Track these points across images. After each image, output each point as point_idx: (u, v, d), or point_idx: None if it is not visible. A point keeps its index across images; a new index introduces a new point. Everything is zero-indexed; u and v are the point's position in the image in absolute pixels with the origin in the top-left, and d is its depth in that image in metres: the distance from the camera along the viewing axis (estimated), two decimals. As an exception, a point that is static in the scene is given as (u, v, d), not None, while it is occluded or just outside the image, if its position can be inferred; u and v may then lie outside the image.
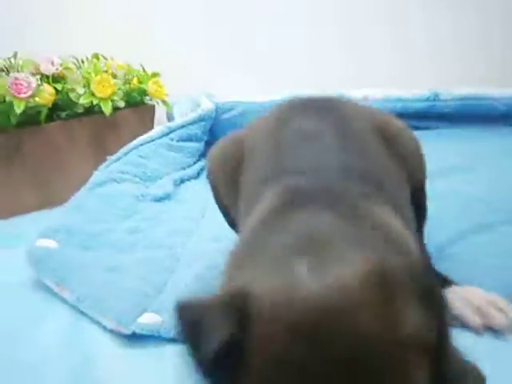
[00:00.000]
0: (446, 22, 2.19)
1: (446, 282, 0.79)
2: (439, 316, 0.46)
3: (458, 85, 1.74)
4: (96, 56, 1.82)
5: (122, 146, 1.63)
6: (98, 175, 1.35)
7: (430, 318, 0.45)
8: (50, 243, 1.09)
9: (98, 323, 0.88)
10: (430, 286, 0.47)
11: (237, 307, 0.46)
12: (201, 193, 1.41)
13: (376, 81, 1.84)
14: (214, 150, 0.92)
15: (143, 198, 1.31)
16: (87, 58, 1.82)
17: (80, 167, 1.62)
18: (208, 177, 0.95)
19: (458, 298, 0.74)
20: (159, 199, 1.34)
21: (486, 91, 1.71)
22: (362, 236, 0.56)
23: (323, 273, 0.47)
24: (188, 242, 1.12)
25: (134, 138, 1.68)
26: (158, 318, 0.84)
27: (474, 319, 0.72)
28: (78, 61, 1.79)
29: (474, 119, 1.72)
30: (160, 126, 1.61)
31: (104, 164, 1.40)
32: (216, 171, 0.91)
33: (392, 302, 0.45)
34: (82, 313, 0.91)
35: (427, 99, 1.71)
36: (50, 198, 1.58)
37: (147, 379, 0.67)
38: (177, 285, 0.94)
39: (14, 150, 1.52)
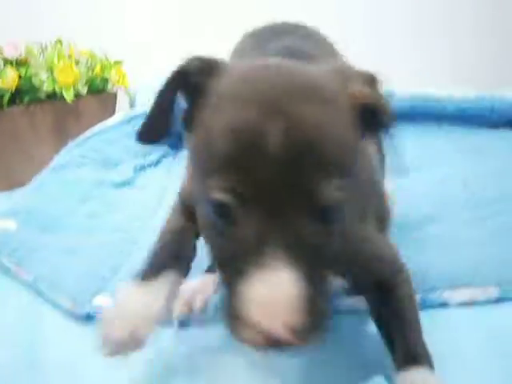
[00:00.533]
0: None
1: None
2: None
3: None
4: (59, 41, 1.84)
5: (83, 132, 1.66)
6: (58, 159, 1.38)
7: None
8: (10, 224, 1.12)
9: (54, 303, 0.92)
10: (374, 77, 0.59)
11: (210, 62, 0.58)
12: (160, 180, 1.45)
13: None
14: None
15: (102, 183, 1.34)
16: (51, 44, 1.83)
17: (41, 152, 1.65)
18: None
19: None
20: (118, 185, 1.38)
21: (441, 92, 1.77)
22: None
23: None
24: (145, 227, 1.15)
25: (96, 124, 1.71)
26: (109, 300, 0.87)
27: None
28: (41, 46, 1.80)
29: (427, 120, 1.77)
30: (121, 113, 1.64)
31: (65, 148, 1.43)
32: None
33: (346, 81, 0.56)
34: (40, 293, 0.95)
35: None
36: (11, 181, 1.60)
37: (98, 359, 0.70)
38: (132, 267, 0.97)
39: (-25, 133, 1.54)
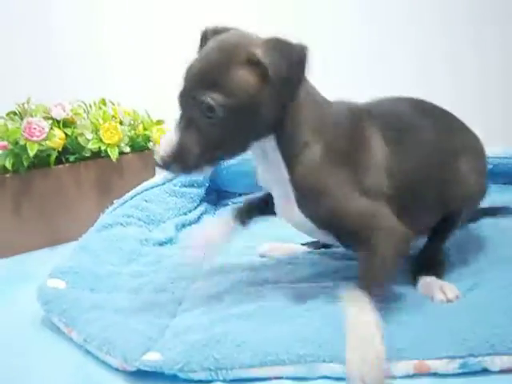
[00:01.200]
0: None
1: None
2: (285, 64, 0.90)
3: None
4: (103, 101, 1.91)
5: (125, 189, 1.71)
6: (104, 218, 1.43)
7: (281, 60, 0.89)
8: (60, 283, 1.16)
9: (103, 362, 0.95)
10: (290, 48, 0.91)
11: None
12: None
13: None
14: None
15: (147, 242, 1.38)
16: (94, 103, 1.91)
17: (84, 208, 1.70)
18: None
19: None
20: (162, 243, 1.42)
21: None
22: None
23: None
24: (189, 288, 1.18)
25: (137, 181, 1.76)
26: (160, 356, 0.89)
27: None
28: (85, 105, 1.88)
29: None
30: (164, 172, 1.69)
31: (111, 207, 1.48)
32: None
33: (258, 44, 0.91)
34: (88, 352, 0.98)
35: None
36: (54, 237, 1.65)
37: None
38: (175, 328, 1.00)
39: (23, 191, 1.59)
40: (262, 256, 1.34)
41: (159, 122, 1.85)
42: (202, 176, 1.73)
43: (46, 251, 1.62)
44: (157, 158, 0.92)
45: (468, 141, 1.18)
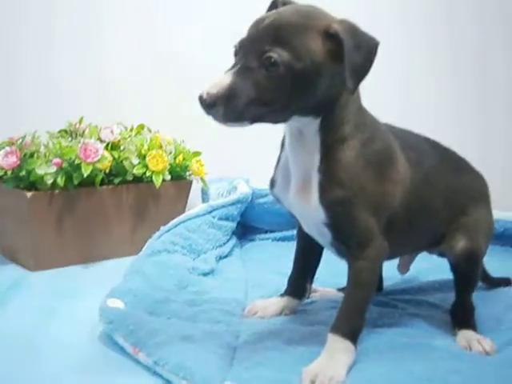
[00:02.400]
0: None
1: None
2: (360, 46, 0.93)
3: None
4: (141, 127, 1.98)
5: (158, 215, 1.79)
6: (153, 243, 1.49)
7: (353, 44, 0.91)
8: (119, 304, 1.21)
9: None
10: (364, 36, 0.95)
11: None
12: (239, 271, 1.58)
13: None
14: None
15: (193, 271, 1.45)
16: (133, 128, 1.98)
17: (120, 229, 1.76)
18: None
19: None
20: (205, 274, 1.48)
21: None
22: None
23: None
24: (241, 323, 1.24)
25: (171, 208, 1.84)
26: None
27: None
28: (126, 129, 1.94)
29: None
30: (204, 204, 1.77)
31: (156, 233, 1.54)
32: None
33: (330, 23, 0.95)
34: (156, 373, 1.03)
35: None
36: (91, 255, 1.71)
37: None
38: (243, 361, 1.06)
39: (68, 208, 1.65)
40: None
41: (197, 153, 1.92)
42: (238, 213, 1.81)
43: (80, 268, 1.67)
44: (202, 93, 0.90)
45: (477, 186, 1.28)
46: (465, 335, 1.17)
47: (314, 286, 1.40)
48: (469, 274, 1.22)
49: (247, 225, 1.98)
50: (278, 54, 0.90)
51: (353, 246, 1.06)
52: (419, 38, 2.41)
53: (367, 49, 0.93)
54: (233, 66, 0.94)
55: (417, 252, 1.31)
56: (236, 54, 0.96)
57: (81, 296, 1.42)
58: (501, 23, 2.43)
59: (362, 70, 0.93)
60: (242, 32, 0.98)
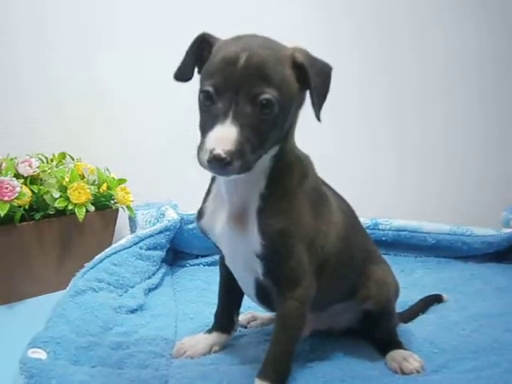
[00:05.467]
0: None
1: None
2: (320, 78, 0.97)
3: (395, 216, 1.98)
4: (63, 155, 1.92)
5: (84, 246, 1.74)
6: (77, 283, 1.43)
7: (314, 74, 0.96)
8: (42, 354, 1.16)
9: None
10: (322, 65, 0.99)
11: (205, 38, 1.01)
12: (169, 305, 1.53)
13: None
14: None
15: (120, 309, 1.40)
16: (54, 157, 1.91)
17: (45, 265, 1.70)
18: None
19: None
20: (133, 310, 1.44)
21: (419, 225, 1.95)
22: None
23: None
24: (171, 365, 1.20)
25: (97, 239, 1.79)
26: None
27: None
28: (46, 159, 1.88)
29: (407, 249, 1.95)
30: (130, 235, 1.73)
31: (81, 271, 1.49)
32: None
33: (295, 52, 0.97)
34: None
35: (367, 227, 1.92)
36: (11, 294, 1.63)
37: None
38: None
39: (-15, 248, 1.57)
40: (243, 326, 1.40)
41: (122, 181, 1.87)
42: (167, 241, 1.77)
43: (2, 308, 1.60)
44: (218, 152, 0.88)
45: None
46: (393, 356, 1.19)
47: (252, 312, 1.39)
48: (384, 322, 1.24)
49: (177, 250, 1.94)
50: (271, 95, 0.91)
51: (283, 284, 1.04)
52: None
53: (325, 74, 0.98)
54: (226, 112, 0.90)
55: (330, 307, 1.26)
56: (211, 98, 0.93)
57: (2, 341, 1.36)
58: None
59: (324, 94, 0.98)
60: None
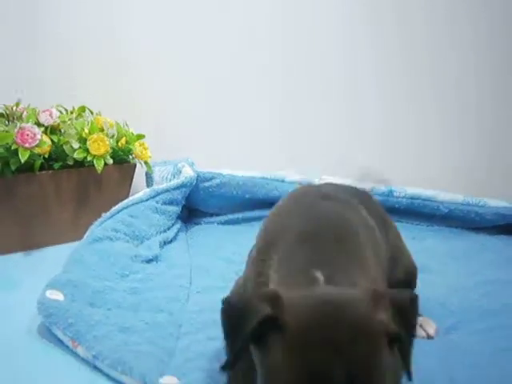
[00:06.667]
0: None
1: None
2: (406, 324, 0.71)
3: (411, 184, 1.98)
4: (82, 109, 1.93)
5: (101, 199, 1.76)
6: (94, 231, 1.46)
7: (399, 323, 0.69)
8: (58, 296, 1.19)
9: (114, 379, 0.99)
10: (405, 305, 0.73)
11: (271, 299, 0.69)
12: (183, 257, 1.56)
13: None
14: None
15: (136, 258, 1.43)
16: (74, 109, 1.92)
17: (62, 215, 1.72)
18: None
19: None
20: (149, 261, 1.46)
21: (434, 193, 1.95)
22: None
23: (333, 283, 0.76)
24: (184, 309, 1.24)
25: (114, 192, 1.81)
26: (177, 380, 0.94)
27: None
28: (66, 111, 1.89)
29: (420, 217, 1.95)
30: (148, 188, 1.74)
31: (98, 220, 1.51)
32: None
33: (377, 309, 0.69)
34: (96, 368, 1.02)
35: (382, 194, 1.92)
36: (31, 241, 1.66)
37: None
38: (184, 352, 1.06)
39: (6, 195, 1.60)
40: None
41: (140, 136, 1.88)
42: (183, 197, 1.79)
43: (21, 255, 1.63)
44: None
45: None
46: None
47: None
48: None
49: (192, 208, 1.96)
50: None
51: None
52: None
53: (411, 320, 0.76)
54: None
55: None
56: None
57: (20, 286, 1.39)
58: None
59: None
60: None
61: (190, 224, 1.93)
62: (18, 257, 1.62)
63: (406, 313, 0.72)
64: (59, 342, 1.11)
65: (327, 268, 0.80)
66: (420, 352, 0.99)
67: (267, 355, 0.68)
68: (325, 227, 0.92)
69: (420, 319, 1.18)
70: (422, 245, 1.79)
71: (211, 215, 1.96)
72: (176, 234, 1.73)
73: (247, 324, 0.68)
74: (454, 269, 1.57)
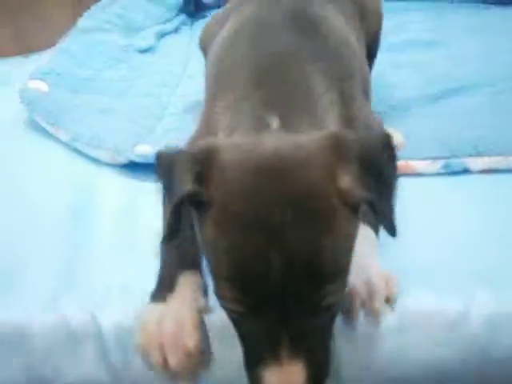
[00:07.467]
0: None
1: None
2: (379, 177, 0.56)
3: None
4: None
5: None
6: (84, 21, 1.38)
7: (369, 181, 0.54)
8: (42, 85, 1.14)
9: (93, 159, 0.96)
10: (376, 153, 0.57)
11: (201, 160, 0.56)
12: (181, 48, 1.47)
13: None
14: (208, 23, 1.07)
15: (127, 48, 1.36)
16: None
17: (58, 17, 1.64)
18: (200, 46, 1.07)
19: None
20: (143, 51, 1.39)
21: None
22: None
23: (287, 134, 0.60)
24: (173, 94, 1.19)
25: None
26: (151, 149, 0.88)
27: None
28: None
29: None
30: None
31: (89, 12, 1.43)
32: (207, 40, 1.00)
33: (337, 167, 0.54)
34: (77, 151, 0.99)
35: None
36: (26, 44, 1.61)
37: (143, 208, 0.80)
38: (166, 130, 1.02)
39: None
40: None
41: None
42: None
43: (20, 58, 1.58)
44: None
45: None
46: None
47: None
48: None
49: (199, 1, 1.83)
50: (334, 296, 0.57)
51: None
52: None
53: (376, 162, 0.59)
54: (271, 343, 0.55)
55: None
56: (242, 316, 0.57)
57: (13, 83, 1.35)
58: None
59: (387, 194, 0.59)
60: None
61: (197, 19, 1.81)
62: (16, 60, 1.56)
63: (379, 163, 0.57)
64: (44, 131, 1.08)
65: (283, 109, 0.66)
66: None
67: (202, 228, 0.56)
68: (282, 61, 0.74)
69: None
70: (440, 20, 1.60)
71: (218, 6, 1.83)
72: (178, 27, 1.63)
73: (173, 194, 0.56)
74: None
